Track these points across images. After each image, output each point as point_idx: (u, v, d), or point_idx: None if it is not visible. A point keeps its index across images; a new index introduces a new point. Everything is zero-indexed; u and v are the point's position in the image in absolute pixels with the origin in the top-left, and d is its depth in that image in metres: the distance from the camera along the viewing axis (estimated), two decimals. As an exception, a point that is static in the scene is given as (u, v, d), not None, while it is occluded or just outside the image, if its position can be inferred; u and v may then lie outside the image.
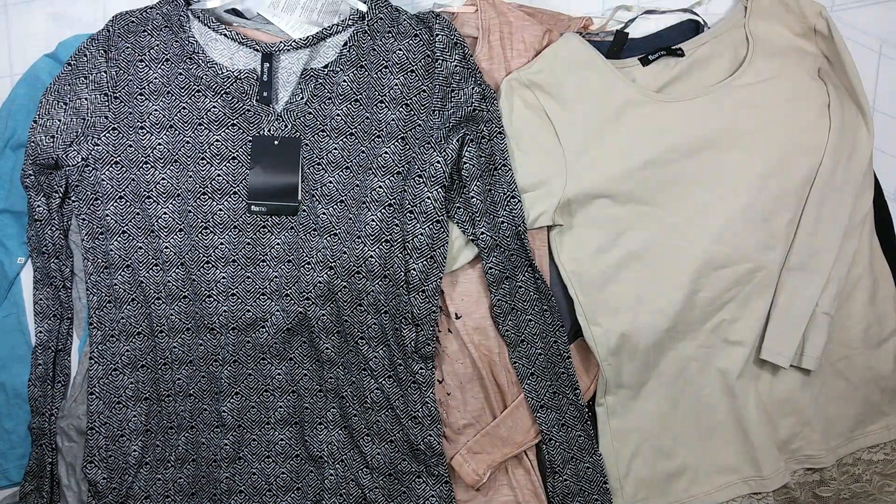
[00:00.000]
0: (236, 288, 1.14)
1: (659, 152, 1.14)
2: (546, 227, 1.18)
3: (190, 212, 1.14)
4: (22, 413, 1.19)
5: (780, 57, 1.18)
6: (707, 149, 1.14)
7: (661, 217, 1.14)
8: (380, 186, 1.13)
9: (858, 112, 1.17)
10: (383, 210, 1.13)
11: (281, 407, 1.15)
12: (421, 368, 1.13)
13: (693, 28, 1.26)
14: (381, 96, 1.14)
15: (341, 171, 1.14)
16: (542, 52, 1.19)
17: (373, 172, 1.14)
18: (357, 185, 1.14)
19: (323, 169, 1.14)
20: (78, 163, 1.14)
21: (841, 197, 1.14)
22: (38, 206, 1.16)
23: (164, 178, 1.14)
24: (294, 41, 1.15)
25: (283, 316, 1.13)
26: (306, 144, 1.14)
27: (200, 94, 1.14)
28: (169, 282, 1.14)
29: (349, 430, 1.15)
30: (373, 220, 1.13)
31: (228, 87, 1.13)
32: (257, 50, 1.14)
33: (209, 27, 1.15)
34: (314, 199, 1.14)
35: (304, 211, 1.14)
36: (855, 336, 1.17)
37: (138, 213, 1.14)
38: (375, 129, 1.14)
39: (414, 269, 1.13)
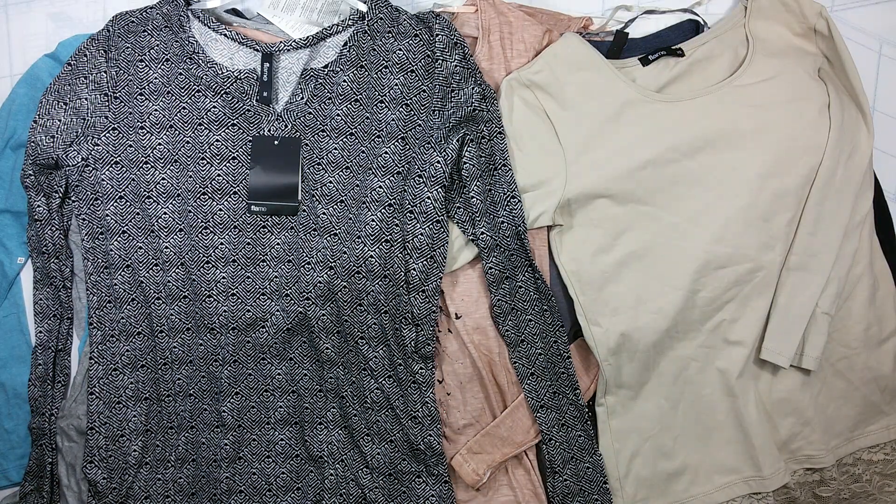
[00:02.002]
0: (236, 288, 1.14)
1: (659, 152, 1.14)
2: (546, 227, 1.18)
3: (190, 212, 1.14)
4: (22, 413, 1.19)
5: (780, 57, 1.18)
6: (707, 149, 1.14)
7: (661, 217, 1.14)
8: (380, 186, 1.13)
9: (858, 112, 1.17)
10: (383, 210, 1.13)
11: (281, 407, 1.15)
12: (421, 368, 1.13)
13: (693, 28, 1.26)
14: (381, 96, 1.14)
15: (341, 171, 1.14)
16: (542, 52, 1.19)
17: (373, 172, 1.14)
18: (357, 185, 1.14)
19: (323, 169, 1.14)
20: (78, 163, 1.14)
21: (841, 197, 1.14)
22: (38, 206, 1.16)
23: (164, 178, 1.14)
24: (294, 41, 1.15)
25: (283, 316, 1.14)
26: (306, 144, 1.14)
27: (200, 94, 1.14)
28: (169, 282, 1.14)
29: (349, 430, 1.15)
30: (373, 220, 1.13)
31: (228, 87, 1.13)
32: (257, 50, 1.14)
33: (209, 27, 1.15)
34: (314, 199, 1.14)
35: (304, 211, 1.14)
36: (855, 336, 1.17)
37: (138, 213, 1.14)
38: (375, 129, 1.14)
39: (414, 269, 1.13)
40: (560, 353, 1.14)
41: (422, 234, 1.13)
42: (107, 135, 1.14)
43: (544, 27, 1.22)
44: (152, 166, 1.14)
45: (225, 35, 1.15)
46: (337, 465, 1.14)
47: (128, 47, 1.15)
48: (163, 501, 1.14)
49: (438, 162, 1.13)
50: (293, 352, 1.15)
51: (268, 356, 1.14)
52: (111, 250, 1.14)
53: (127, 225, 1.14)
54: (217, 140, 1.14)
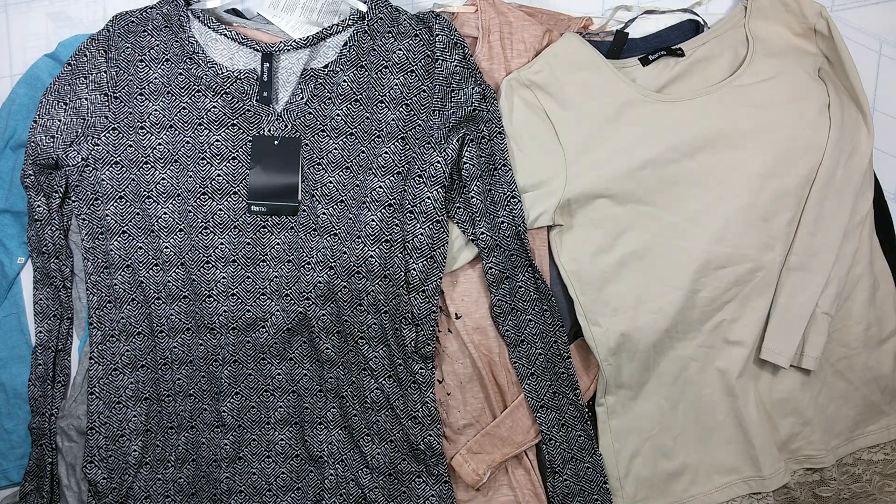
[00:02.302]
0: (236, 288, 1.14)
1: (659, 152, 1.14)
2: (546, 227, 1.18)
3: (190, 212, 1.14)
4: (22, 413, 1.19)
5: (780, 57, 1.18)
6: (707, 149, 1.14)
7: (661, 217, 1.14)
8: (380, 186, 1.13)
9: (858, 112, 1.17)
10: (383, 210, 1.13)
11: (281, 407, 1.15)
12: (421, 368, 1.13)
13: (693, 28, 1.26)
14: (381, 96, 1.14)
15: (341, 171, 1.14)
16: (542, 52, 1.19)
17: (373, 172, 1.14)
18: (357, 185, 1.14)
19: (323, 169, 1.14)
20: (78, 163, 1.14)
21: (841, 197, 1.14)
22: (38, 206, 1.16)
23: (164, 178, 1.14)
24: (294, 41, 1.15)
25: (283, 316, 1.14)
26: (306, 144, 1.14)
27: (200, 94, 1.14)
28: (169, 282, 1.14)
29: (349, 430, 1.15)
30: (373, 220, 1.13)
31: (228, 87, 1.13)
32: (257, 50, 1.14)
33: (209, 27, 1.15)
34: (314, 199, 1.14)
35: (304, 211, 1.14)
36: (855, 336, 1.17)
37: (138, 213, 1.14)
38: (375, 129, 1.14)
39: (414, 269, 1.13)
40: (560, 353, 1.14)
41: (422, 234, 1.13)
42: (107, 135, 1.14)
43: (544, 27, 1.22)
44: (152, 166, 1.14)
45: (225, 35, 1.15)
46: (337, 465, 1.14)
47: (128, 47, 1.15)
48: (163, 501, 1.14)
49: (438, 162, 1.13)
50: (293, 352, 1.15)
51: (268, 356, 1.14)
52: (111, 250, 1.14)
53: (127, 225, 1.14)
54: (217, 140, 1.14)
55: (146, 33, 1.15)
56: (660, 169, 1.14)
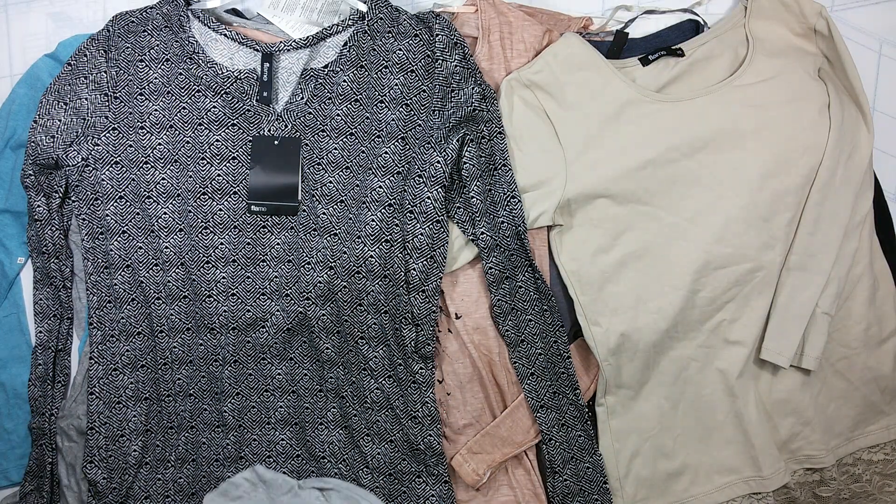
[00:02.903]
0: (236, 288, 1.14)
1: (659, 152, 1.14)
2: (546, 227, 1.18)
3: (190, 212, 1.14)
4: (22, 413, 1.19)
5: (780, 57, 1.18)
6: (707, 149, 1.14)
7: (660, 217, 1.14)
8: (380, 186, 1.13)
9: (858, 112, 1.17)
10: (383, 210, 1.13)
11: (281, 407, 1.15)
12: (421, 368, 1.13)
13: (693, 28, 1.26)
14: (381, 96, 1.14)
15: (341, 171, 1.14)
16: (542, 52, 1.19)
17: (373, 172, 1.14)
18: (357, 185, 1.14)
19: (323, 169, 1.14)
20: (78, 163, 1.14)
21: (841, 197, 1.14)
22: (38, 206, 1.16)
23: (164, 178, 1.14)
24: (294, 41, 1.15)
25: (284, 316, 1.14)
26: (306, 144, 1.14)
27: (200, 94, 1.14)
28: (169, 282, 1.14)
29: (349, 430, 1.15)
30: (373, 220, 1.13)
31: (228, 87, 1.13)
32: (257, 50, 1.14)
33: (209, 27, 1.15)
34: (314, 199, 1.14)
35: (304, 211, 1.14)
36: (855, 336, 1.17)
37: (138, 213, 1.14)
38: (375, 129, 1.14)
39: (414, 269, 1.13)
40: (560, 353, 1.14)
41: (422, 234, 1.13)
42: (107, 135, 1.14)
43: (544, 27, 1.22)
44: (152, 166, 1.14)
45: (225, 35, 1.15)
46: (338, 465, 1.14)
47: (128, 47, 1.15)
48: (163, 501, 1.14)
49: (438, 162, 1.13)
50: (293, 352, 1.15)
51: (268, 356, 1.14)
52: (111, 250, 1.14)
53: (127, 225, 1.14)
54: (217, 140, 1.14)
55: (146, 33, 1.15)
56: (660, 169, 1.14)
